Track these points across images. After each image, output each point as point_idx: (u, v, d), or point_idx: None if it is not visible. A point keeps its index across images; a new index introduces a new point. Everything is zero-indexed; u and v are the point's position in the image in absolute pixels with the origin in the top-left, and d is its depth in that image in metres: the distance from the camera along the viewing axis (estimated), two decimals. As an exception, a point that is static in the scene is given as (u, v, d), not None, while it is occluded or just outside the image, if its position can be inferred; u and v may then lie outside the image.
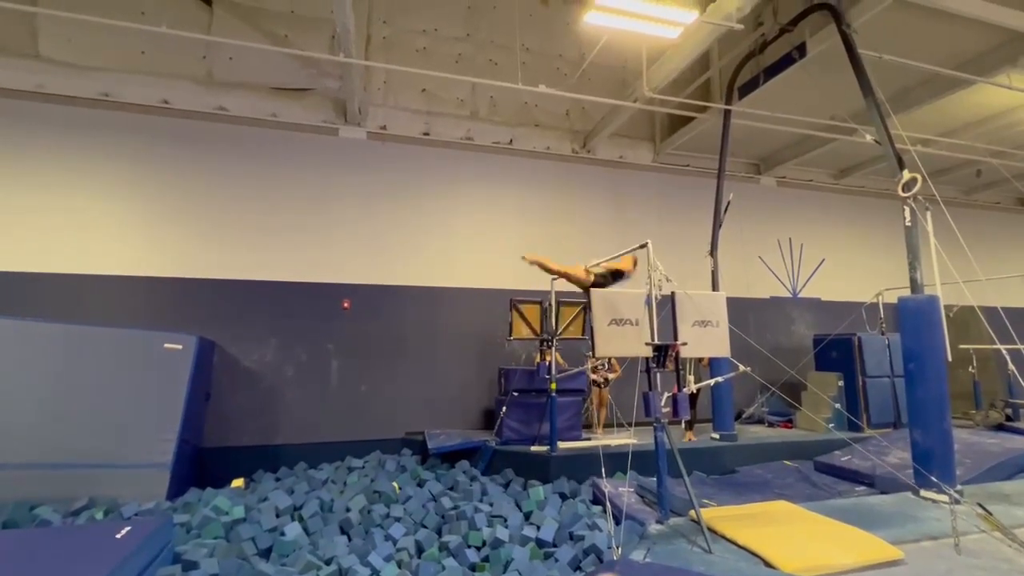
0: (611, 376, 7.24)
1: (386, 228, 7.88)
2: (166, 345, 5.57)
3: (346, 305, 7.52)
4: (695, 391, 5.07)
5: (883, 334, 8.21)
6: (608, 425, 7.31)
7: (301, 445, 6.95)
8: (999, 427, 7.62)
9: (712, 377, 5.85)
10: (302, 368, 7.24)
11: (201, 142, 7.24)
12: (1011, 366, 5.51)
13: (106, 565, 2.80)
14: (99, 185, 6.82)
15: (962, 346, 7.65)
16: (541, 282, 6.33)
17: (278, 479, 6.13)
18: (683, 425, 7.04)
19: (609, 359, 7.13)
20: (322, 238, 7.57)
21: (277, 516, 4.55)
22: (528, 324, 6.78)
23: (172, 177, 7.09)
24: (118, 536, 3.20)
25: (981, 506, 3.99)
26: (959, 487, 4.45)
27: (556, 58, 8.71)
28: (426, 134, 8.26)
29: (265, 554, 3.98)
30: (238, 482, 5.86)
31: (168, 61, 7.18)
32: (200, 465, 6.22)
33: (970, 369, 8.55)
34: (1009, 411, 8.21)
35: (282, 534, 4.16)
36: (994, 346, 5.91)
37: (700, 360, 6.93)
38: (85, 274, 6.60)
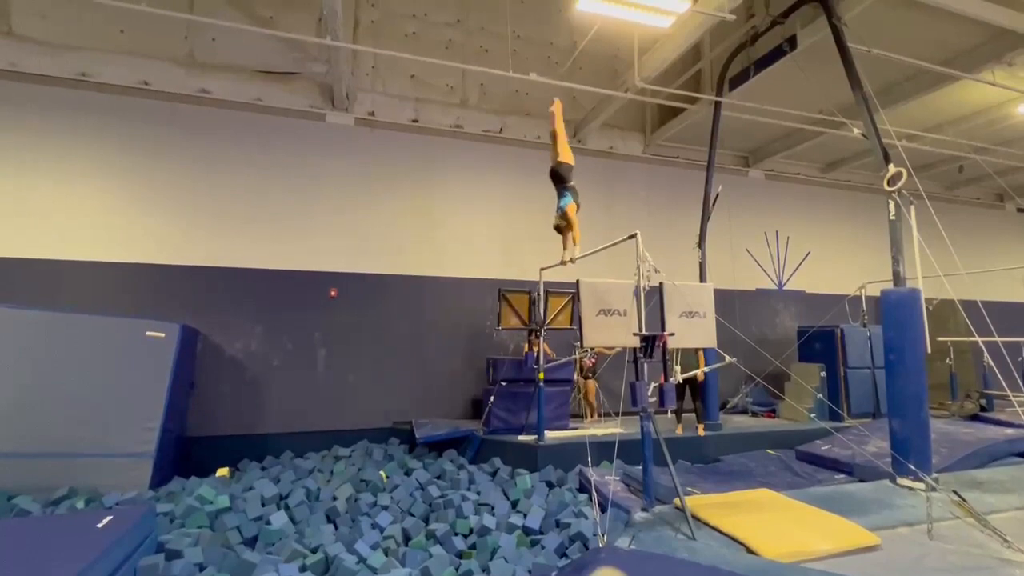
0: (591, 362, 7.26)
1: (374, 216, 7.78)
2: (148, 333, 5.46)
3: (334, 294, 7.44)
4: (680, 381, 5.10)
5: (865, 326, 8.36)
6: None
7: (287, 434, 6.91)
8: (974, 417, 7.82)
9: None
10: (288, 357, 7.17)
11: (183, 125, 7.06)
12: (987, 358, 5.64)
13: (87, 555, 2.76)
14: (78, 168, 6.63)
15: (940, 338, 7.82)
16: (530, 272, 6.32)
17: (264, 468, 6.09)
18: (669, 414, 7.10)
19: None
20: (309, 225, 7.46)
21: (263, 505, 4.52)
22: (517, 314, 6.78)
23: (154, 161, 6.91)
24: (99, 525, 3.15)
25: (956, 493, 4.10)
26: (935, 475, 4.57)
27: (547, 46, 8.62)
28: (415, 121, 8.15)
29: (251, 543, 3.96)
30: (223, 471, 5.81)
31: (148, 41, 6.95)
32: (185, 454, 6.16)
33: (947, 361, 8.75)
34: (983, 402, 8.42)
35: (268, 523, 4.13)
36: (972, 339, 6.04)
37: (696, 351, 6.95)
38: (64, 259, 6.43)
